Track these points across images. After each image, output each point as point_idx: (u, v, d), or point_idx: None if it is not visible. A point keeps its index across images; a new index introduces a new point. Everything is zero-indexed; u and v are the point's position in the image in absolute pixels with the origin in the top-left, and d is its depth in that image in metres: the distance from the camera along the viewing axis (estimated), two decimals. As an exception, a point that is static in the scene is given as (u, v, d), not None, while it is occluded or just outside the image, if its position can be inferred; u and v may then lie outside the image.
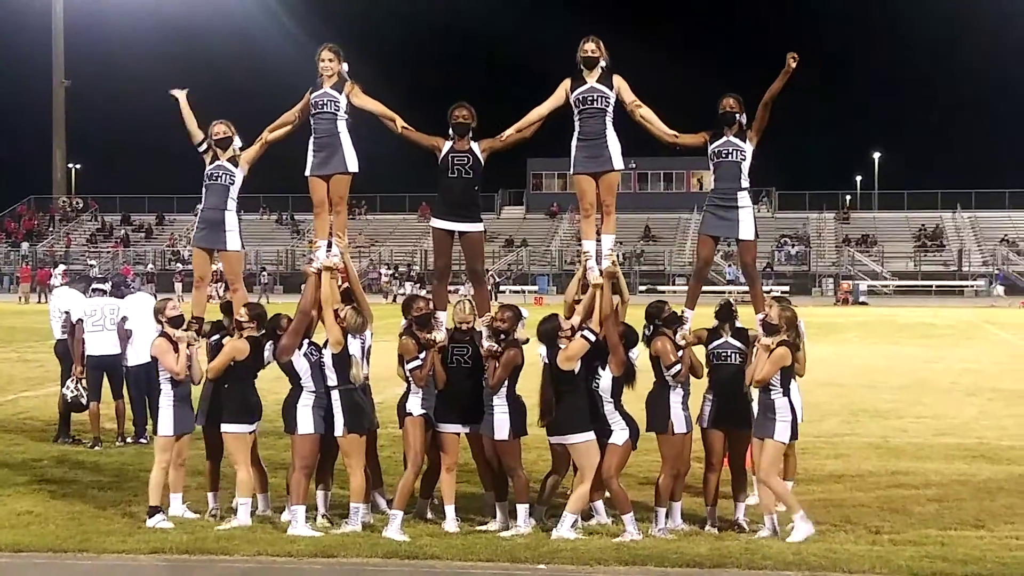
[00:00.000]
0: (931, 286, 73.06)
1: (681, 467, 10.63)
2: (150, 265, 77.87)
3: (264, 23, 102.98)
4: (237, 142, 11.26)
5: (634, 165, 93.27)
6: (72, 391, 14.89)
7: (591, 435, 10.22)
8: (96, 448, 14.56)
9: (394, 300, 56.89)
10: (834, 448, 14.74)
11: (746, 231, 10.93)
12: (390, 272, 73.08)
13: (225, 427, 10.70)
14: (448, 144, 10.79)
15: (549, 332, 10.34)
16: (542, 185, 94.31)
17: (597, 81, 10.69)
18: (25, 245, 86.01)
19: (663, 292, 68.94)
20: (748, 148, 10.90)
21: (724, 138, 11.00)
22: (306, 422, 10.40)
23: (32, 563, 9.51)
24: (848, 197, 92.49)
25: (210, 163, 11.23)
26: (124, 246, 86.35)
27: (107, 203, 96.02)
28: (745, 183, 10.98)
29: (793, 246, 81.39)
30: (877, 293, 69.97)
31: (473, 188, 10.81)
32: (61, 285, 15.75)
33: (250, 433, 10.77)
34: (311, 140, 10.88)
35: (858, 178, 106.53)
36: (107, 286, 15.45)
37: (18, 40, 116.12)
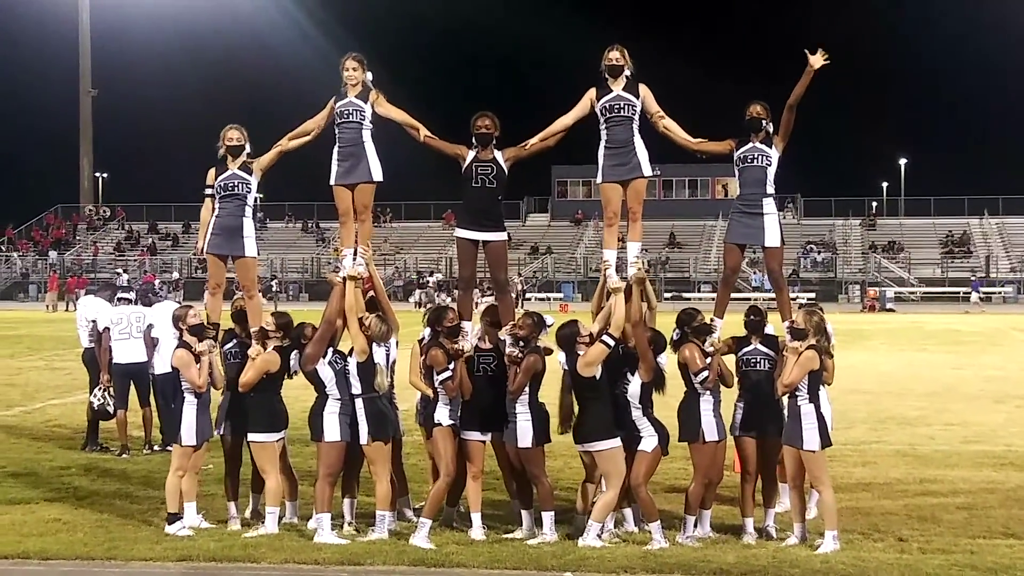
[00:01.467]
0: (958, 293, 72.64)
1: (714, 476, 10.55)
2: (175, 273, 78.11)
3: (288, 32, 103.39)
4: (248, 148, 11.21)
5: (659, 172, 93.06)
6: (100, 399, 14.96)
7: (616, 442, 10.19)
8: (123, 456, 14.61)
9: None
10: (861, 456, 14.68)
11: (772, 238, 10.88)
12: (426, 280, 72.46)
13: (252, 436, 10.72)
14: (472, 153, 10.80)
15: (567, 337, 10.32)
16: (567, 192, 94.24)
17: (623, 90, 10.67)
18: (53, 254, 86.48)
19: (689, 299, 68.71)
20: (774, 154, 10.86)
21: (750, 144, 10.93)
22: (332, 430, 10.42)
23: (60, 570, 9.55)
24: (874, 203, 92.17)
25: (221, 171, 11.13)
26: (151, 254, 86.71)
27: (134, 211, 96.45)
28: (771, 189, 10.95)
29: (819, 253, 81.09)
30: (904, 300, 69.67)
31: (496, 197, 10.81)
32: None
33: (277, 442, 10.80)
34: (335, 149, 10.89)
35: (884, 184, 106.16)
36: (132, 294, 15.52)
37: (45, 50, 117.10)
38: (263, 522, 10.61)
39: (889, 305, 63.01)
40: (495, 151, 10.84)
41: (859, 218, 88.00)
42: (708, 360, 10.43)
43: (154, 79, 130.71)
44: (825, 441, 10.15)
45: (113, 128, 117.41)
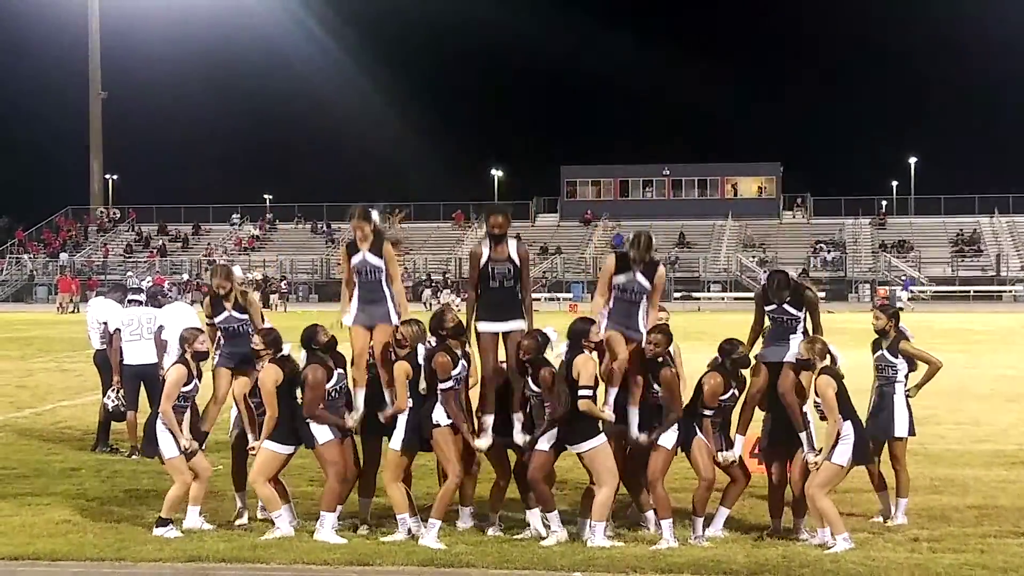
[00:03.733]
0: (969, 291, 72.52)
1: (712, 477, 10.48)
2: (184, 275, 78.22)
3: (298, 34, 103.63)
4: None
5: (668, 172, 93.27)
6: (113, 400, 14.99)
7: (600, 439, 10.17)
8: (134, 457, 14.63)
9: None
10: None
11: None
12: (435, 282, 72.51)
13: (267, 444, 10.70)
14: (486, 252, 10.82)
15: (577, 334, 10.30)
16: (576, 193, 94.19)
17: (641, 272, 10.58)
18: (64, 255, 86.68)
19: (698, 298, 68.79)
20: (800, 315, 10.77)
21: (774, 305, 10.86)
22: (322, 431, 10.46)
23: (70, 571, 9.55)
24: (884, 202, 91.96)
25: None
26: (161, 256, 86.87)
27: (144, 213, 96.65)
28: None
29: (829, 252, 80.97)
30: (914, 299, 69.49)
31: (514, 293, 10.81)
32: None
33: (286, 455, 10.79)
34: (356, 293, 10.95)
35: (894, 183, 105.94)
36: (143, 296, 15.54)
37: (55, 53, 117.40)
38: (272, 524, 10.64)
39: (899, 304, 62.82)
40: (509, 246, 10.82)
41: (869, 217, 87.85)
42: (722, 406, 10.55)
43: (164, 81, 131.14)
44: (858, 458, 10.26)
45: (123, 130, 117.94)
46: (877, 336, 11.44)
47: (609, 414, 10.38)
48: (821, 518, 10.17)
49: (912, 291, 67.86)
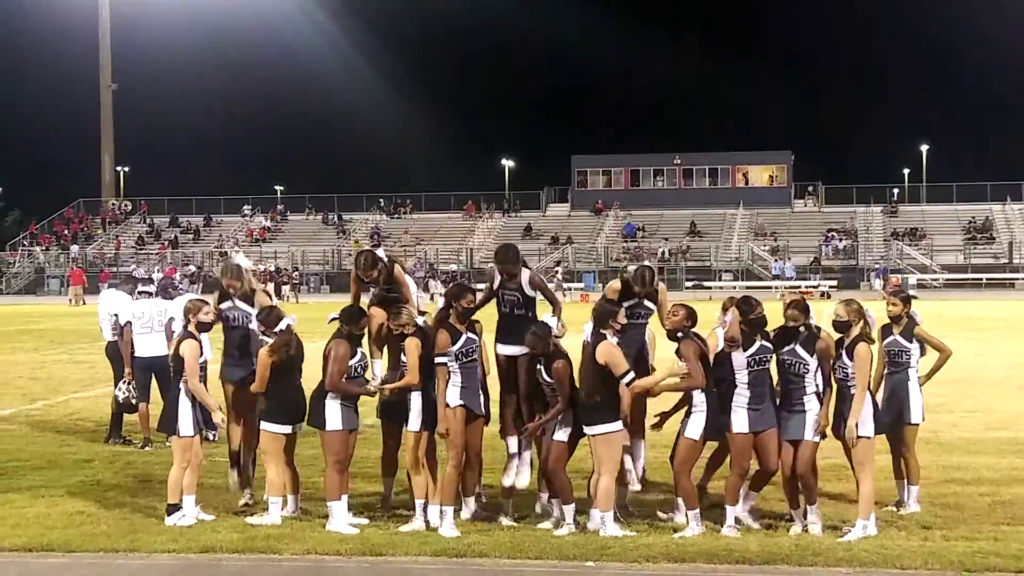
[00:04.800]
0: (981, 279, 72.33)
1: (746, 468, 10.30)
2: (191, 266, 78.28)
3: (307, 26, 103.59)
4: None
5: (679, 161, 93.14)
6: (124, 392, 15.02)
7: (616, 425, 10.12)
8: (146, 448, 14.68)
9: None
10: (884, 443, 14.56)
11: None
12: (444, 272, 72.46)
13: (264, 425, 10.77)
14: (499, 280, 10.94)
15: (603, 315, 10.24)
16: (587, 182, 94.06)
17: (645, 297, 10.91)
18: (75, 248, 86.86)
19: (709, 288, 68.69)
20: (812, 361, 10.35)
21: (790, 346, 10.35)
22: (335, 418, 10.45)
23: (84, 562, 9.59)
24: (896, 190, 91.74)
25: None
26: (172, 248, 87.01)
27: (155, 205, 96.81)
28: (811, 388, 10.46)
29: (841, 240, 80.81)
30: (926, 287, 69.37)
31: (527, 318, 10.81)
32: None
33: (285, 435, 10.80)
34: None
35: (906, 171, 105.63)
36: (152, 288, 15.57)
37: (65, 45, 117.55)
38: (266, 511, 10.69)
39: (911, 292, 62.70)
40: (522, 276, 10.82)
41: (881, 205, 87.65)
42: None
43: (174, 73, 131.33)
44: (877, 428, 10.21)
45: (134, 122, 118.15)
46: (888, 323, 11.37)
47: (670, 376, 10.31)
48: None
49: (889, 278, 67.95)
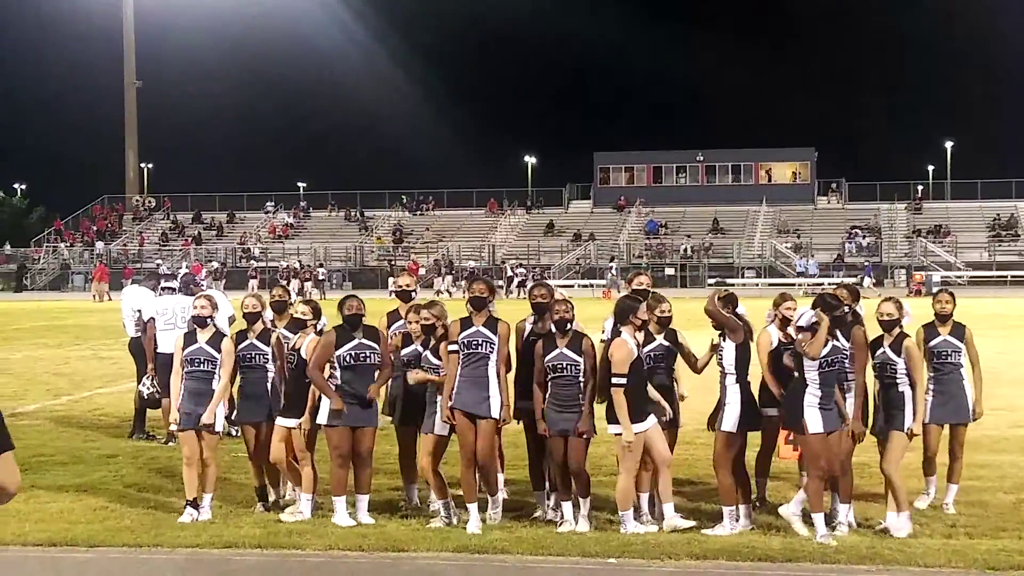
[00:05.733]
0: (1006, 276, 71.91)
1: (826, 469, 9.87)
2: (215, 263, 78.42)
3: (332, 24, 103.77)
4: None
5: (701, 158, 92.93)
6: (148, 388, 15.08)
7: (648, 422, 10.04)
8: (170, 444, 14.71)
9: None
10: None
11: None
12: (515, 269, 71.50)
13: (280, 420, 10.85)
14: (528, 327, 10.88)
15: (623, 310, 10.17)
16: (609, 179, 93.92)
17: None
18: (100, 244, 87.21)
19: (732, 285, 68.47)
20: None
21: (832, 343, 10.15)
22: (324, 411, 10.56)
23: (108, 557, 9.64)
24: (920, 187, 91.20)
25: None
26: (196, 244, 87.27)
27: (179, 201, 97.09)
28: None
29: (864, 237, 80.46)
30: (950, 284, 69.04)
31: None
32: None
33: (298, 428, 10.84)
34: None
35: (930, 168, 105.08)
36: (176, 284, 15.61)
37: (90, 42, 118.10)
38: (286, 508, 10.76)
39: (935, 289, 62.37)
40: (551, 321, 10.50)
41: (904, 202, 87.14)
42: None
43: (198, 70, 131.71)
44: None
45: (158, 119, 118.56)
46: (930, 322, 11.22)
47: (627, 433, 9.91)
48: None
49: (873, 276, 67.77)
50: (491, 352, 10.41)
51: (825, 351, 9.83)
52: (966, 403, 11.07)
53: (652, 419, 10.13)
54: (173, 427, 11.18)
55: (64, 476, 12.77)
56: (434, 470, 10.46)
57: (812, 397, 9.84)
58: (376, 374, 10.71)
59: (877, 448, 10.57)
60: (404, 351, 10.86)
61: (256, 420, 11.12)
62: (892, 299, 10.56)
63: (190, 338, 11.06)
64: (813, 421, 9.81)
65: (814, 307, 9.93)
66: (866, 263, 73.29)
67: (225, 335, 11.16)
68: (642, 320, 10.22)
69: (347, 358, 10.52)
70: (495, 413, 10.37)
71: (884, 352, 10.32)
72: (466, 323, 10.46)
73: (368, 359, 10.59)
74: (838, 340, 9.99)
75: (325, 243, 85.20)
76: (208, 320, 11.06)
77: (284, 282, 65.46)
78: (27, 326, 39.42)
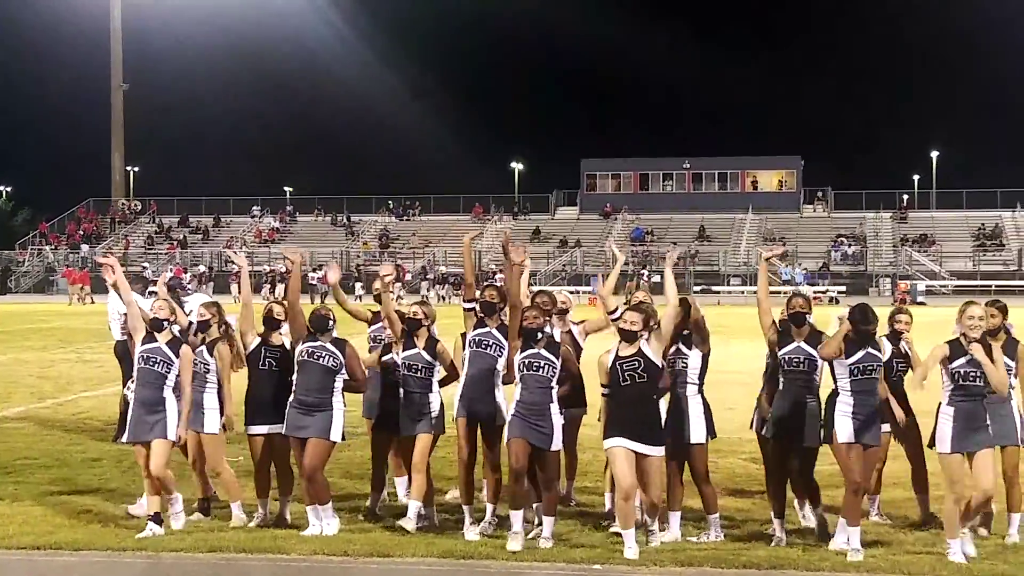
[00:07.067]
0: (990, 286, 72.11)
1: (857, 480, 9.65)
2: (201, 266, 78.16)
3: (320, 27, 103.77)
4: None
5: (688, 165, 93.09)
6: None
7: (607, 442, 9.76)
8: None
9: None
10: (898, 449, 14.51)
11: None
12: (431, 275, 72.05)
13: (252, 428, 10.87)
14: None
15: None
16: (596, 186, 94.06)
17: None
18: (85, 247, 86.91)
19: (718, 292, 68.60)
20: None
21: (794, 343, 10.25)
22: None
23: (91, 561, 9.60)
24: (905, 196, 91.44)
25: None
26: (181, 248, 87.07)
27: (165, 205, 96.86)
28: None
29: (849, 246, 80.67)
30: (935, 293, 69.21)
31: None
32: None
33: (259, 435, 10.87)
34: None
35: (915, 177, 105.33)
36: (163, 287, 15.53)
37: (76, 44, 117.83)
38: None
39: (920, 298, 62.52)
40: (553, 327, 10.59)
41: (890, 211, 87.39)
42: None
43: (185, 73, 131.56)
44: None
45: (144, 122, 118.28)
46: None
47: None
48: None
49: (899, 284, 67.47)
50: (499, 356, 10.44)
51: (857, 357, 9.72)
52: (1017, 424, 10.26)
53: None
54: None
55: (48, 479, 12.73)
56: (424, 471, 10.47)
57: (844, 406, 9.71)
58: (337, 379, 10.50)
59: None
60: (384, 358, 10.91)
61: (194, 428, 10.93)
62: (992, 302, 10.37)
63: (149, 337, 10.99)
64: (843, 430, 9.69)
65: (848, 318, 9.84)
66: (804, 271, 72.73)
67: (185, 342, 11.05)
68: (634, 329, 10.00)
69: (303, 353, 10.37)
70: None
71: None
72: (480, 323, 10.53)
73: (323, 359, 10.35)
74: (875, 349, 9.83)
75: (311, 248, 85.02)
76: (165, 324, 10.92)
77: (268, 286, 65.44)
78: (11, 329, 39.31)
